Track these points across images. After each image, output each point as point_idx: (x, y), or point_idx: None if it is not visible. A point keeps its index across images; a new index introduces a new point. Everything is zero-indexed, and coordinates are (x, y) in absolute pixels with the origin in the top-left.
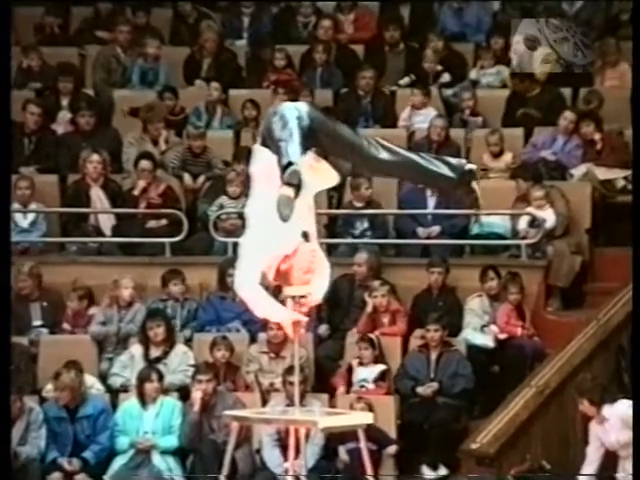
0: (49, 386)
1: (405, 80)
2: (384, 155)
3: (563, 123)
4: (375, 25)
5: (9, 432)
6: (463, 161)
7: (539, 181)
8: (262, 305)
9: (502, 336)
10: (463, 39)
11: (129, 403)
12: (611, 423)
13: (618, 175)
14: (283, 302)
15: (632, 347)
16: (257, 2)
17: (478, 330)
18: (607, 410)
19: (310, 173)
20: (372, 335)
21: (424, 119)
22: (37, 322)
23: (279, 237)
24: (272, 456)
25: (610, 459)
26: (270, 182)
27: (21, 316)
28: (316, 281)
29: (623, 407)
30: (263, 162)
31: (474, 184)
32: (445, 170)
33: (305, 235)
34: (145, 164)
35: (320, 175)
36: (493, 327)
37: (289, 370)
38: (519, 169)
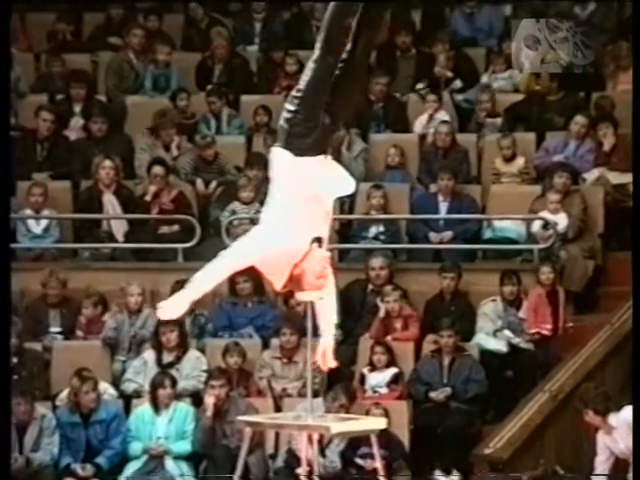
0: (63, 394)
1: (420, 85)
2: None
3: (574, 128)
4: (386, 31)
5: (9, 436)
6: None
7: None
8: (197, 277)
9: (533, 331)
10: (475, 44)
11: (142, 408)
12: (619, 431)
13: (631, 179)
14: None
15: (633, 347)
16: (269, 7)
17: (491, 335)
18: (614, 418)
19: (328, 179)
20: (384, 340)
21: (435, 125)
22: (55, 329)
23: (289, 239)
24: None
25: (621, 466)
26: (287, 184)
27: (40, 321)
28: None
29: (629, 413)
30: (281, 164)
31: None
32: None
33: (319, 240)
34: (158, 170)
35: (337, 181)
36: (506, 332)
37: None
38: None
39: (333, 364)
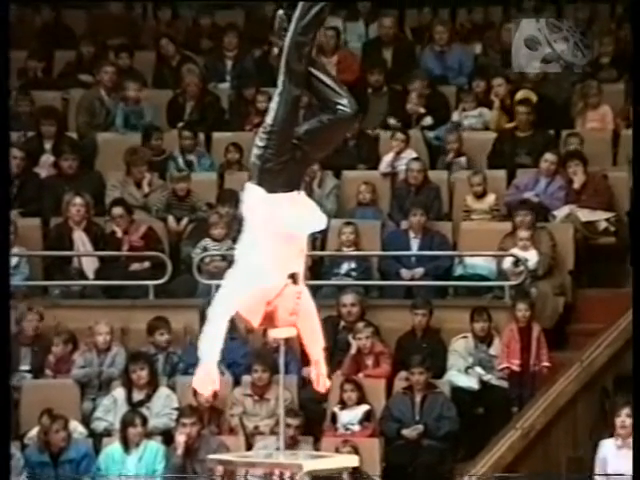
0: (32, 432)
1: (393, 121)
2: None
3: (544, 165)
4: (358, 67)
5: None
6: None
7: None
8: (205, 343)
9: (502, 366)
10: (445, 82)
11: (112, 447)
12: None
13: (600, 217)
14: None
15: (633, 347)
16: (240, 45)
17: (462, 372)
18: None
19: (300, 216)
20: (355, 378)
21: (406, 162)
22: (25, 367)
23: (265, 279)
24: None
25: None
26: (260, 221)
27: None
28: (306, 325)
29: (605, 449)
30: (254, 200)
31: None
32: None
33: (293, 277)
34: (117, 210)
35: (309, 218)
36: (478, 369)
37: (289, 412)
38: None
39: (328, 384)
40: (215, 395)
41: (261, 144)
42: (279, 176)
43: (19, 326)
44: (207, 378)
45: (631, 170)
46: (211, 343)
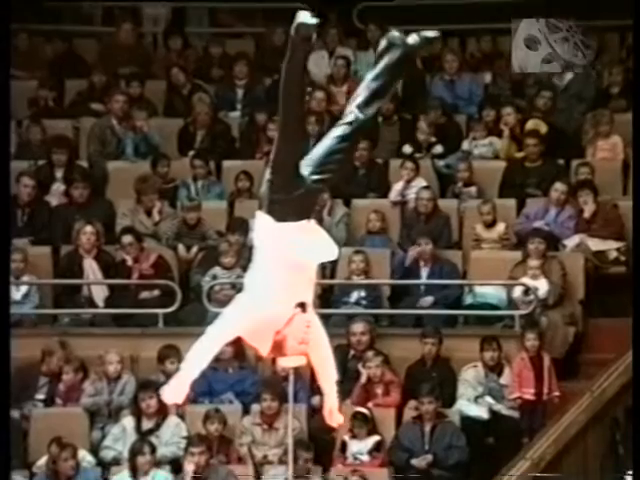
0: (41, 461)
1: (406, 148)
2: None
3: (554, 195)
4: None
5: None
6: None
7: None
8: (190, 358)
9: (514, 396)
10: (455, 111)
11: (121, 476)
12: None
13: (611, 247)
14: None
15: (633, 347)
16: (250, 74)
17: (472, 401)
18: None
19: (310, 245)
20: (364, 410)
21: (416, 191)
22: (41, 396)
23: (273, 307)
24: None
25: None
26: (270, 250)
27: (26, 389)
28: (317, 355)
29: None
30: (263, 229)
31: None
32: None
33: (302, 305)
34: (127, 239)
35: (319, 247)
36: (488, 398)
37: (300, 444)
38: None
39: (341, 420)
40: (224, 424)
41: (269, 176)
42: (288, 206)
43: (46, 357)
44: (177, 390)
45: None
46: (195, 360)
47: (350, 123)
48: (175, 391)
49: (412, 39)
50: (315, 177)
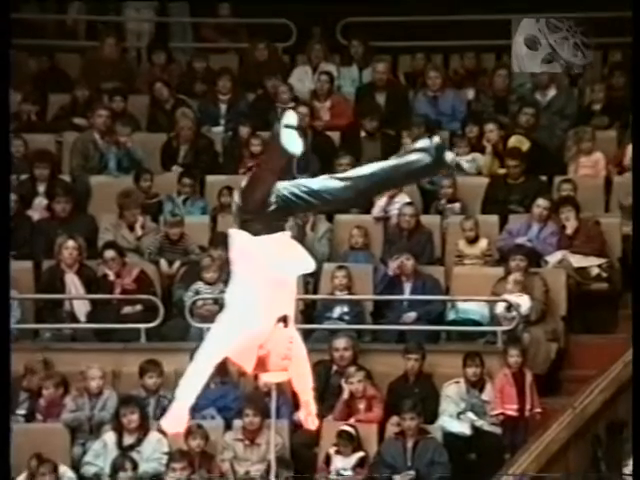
0: (20, 477)
1: None
2: (361, 184)
3: (537, 211)
4: (351, 112)
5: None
6: (427, 140)
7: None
8: (184, 384)
9: (496, 412)
10: (438, 127)
11: None
12: None
13: (593, 263)
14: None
15: (633, 347)
16: (234, 89)
17: (455, 417)
18: None
19: (286, 258)
20: (350, 428)
21: (399, 207)
22: (21, 411)
23: (255, 322)
24: None
25: None
26: (248, 265)
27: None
28: (296, 368)
29: None
30: (239, 245)
31: (447, 155)
32: (417, 157)
33: (284, 320)
34: (109, 253)
35: (295, 260)
36: (470, 414)
37: (280, 462)
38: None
39: (316, 422)
40: (206, 439)
41: (238, 201)
42: (260, 222)
43: (28, 374)
44: (177, 419)
45: (624, 215)
46: (190, 385)
47: (351, 187)
48: (175, 420)
49: (450, 157)
50: (299, 198)
